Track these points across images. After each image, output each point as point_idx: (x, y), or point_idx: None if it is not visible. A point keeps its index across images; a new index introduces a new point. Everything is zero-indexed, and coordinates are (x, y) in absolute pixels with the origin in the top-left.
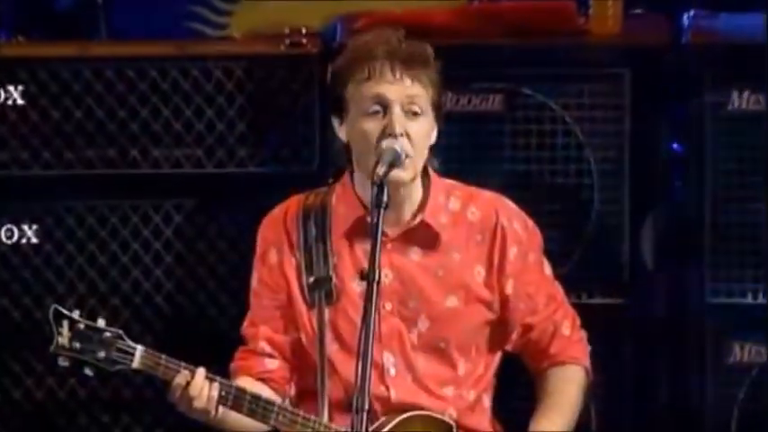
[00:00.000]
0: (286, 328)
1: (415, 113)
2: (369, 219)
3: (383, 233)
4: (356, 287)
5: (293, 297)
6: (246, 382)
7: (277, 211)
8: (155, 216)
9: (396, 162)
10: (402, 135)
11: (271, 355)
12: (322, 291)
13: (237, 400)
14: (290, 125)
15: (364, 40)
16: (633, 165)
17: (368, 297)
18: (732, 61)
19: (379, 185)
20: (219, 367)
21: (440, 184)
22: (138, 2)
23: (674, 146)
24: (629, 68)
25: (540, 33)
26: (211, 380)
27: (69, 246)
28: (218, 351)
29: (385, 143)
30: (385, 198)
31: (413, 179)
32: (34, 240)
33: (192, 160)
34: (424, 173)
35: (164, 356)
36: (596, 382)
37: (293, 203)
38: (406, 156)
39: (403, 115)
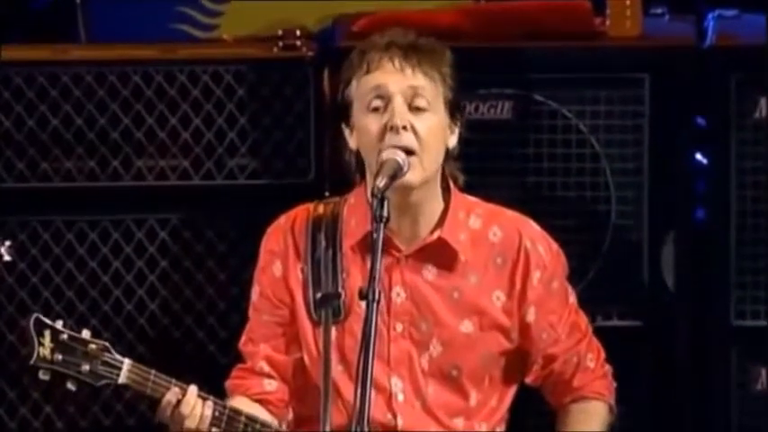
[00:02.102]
0: (287, 348)
1: (421, 108)
2: (383, 233)
3: (397, 248)
4: (365, 305)
5: (297, 313)
6: (243, 403)
7: (283, 221)
8: (138, 232)
9: (398, 174)
10: (406, 128)
11: (270, 376)
12: (329, 308)
13: (231, 421)
14: (284, 134)
15: (369, 38)
16: (653, 177)
17: (367, 319)
18: (759, 66)
19: (380, 199)
20: (208, 392)
21: (461, 200)
22: (120, 2)
23: (697, 156)
24: (649, 73)
25: (554, 35)
26: (204, 398)
27: (45, 264)
28: (207, 376)
29: (385, 153)
30: (386, 213)
31: (423, 182)
32: (7, 258)
33: (177, 172)
34: (446, 187)
35: (153, 371)
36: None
37: (301, 213)
38: (411, 152)
39: (406, 108)
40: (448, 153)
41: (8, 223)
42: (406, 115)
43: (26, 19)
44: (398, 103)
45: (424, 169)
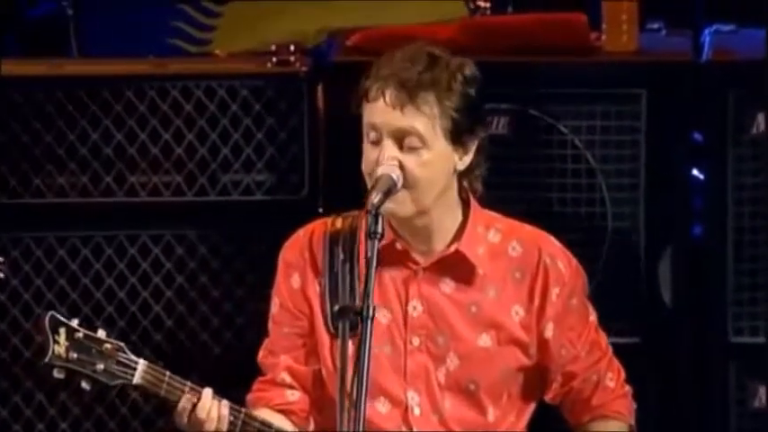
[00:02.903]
0: (307, 359)
1: (412, 147)
2: (397, 245)
3: (414, 261)
4: (382, 318)
5: (315, 325)
6: (266, 414)
7: (301, 234)
8: (130, 248)
9: (392, 189)
10: (394, 166)
11: (291, 386)
12: (346, 320)
13: (246, 426)
14: (277, 149)
15: (387, 55)
16: (650, 192)
17: (362, 338)
18: (757, 81)
19: (374, 215)
20: None
21: (480, 214)
22: (113, 16)
23: (694, 172)
24: (646, 88)
25: (550, 50)
26: (220, 399)
27: (37, 280)
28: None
29: (380, 169)
30: (380, 229)
31: (419, 213)
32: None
33: (171, 187)
34: (465, 201)
35: (168, 373)
36: None
37: (319, 226)
38: (401, 186)
39: (395, 148)
40: (461, 175)
41: (0, 239)
42: (395, 154)
43: (19, 33)
44: (387, 145)
45: (414, 202)
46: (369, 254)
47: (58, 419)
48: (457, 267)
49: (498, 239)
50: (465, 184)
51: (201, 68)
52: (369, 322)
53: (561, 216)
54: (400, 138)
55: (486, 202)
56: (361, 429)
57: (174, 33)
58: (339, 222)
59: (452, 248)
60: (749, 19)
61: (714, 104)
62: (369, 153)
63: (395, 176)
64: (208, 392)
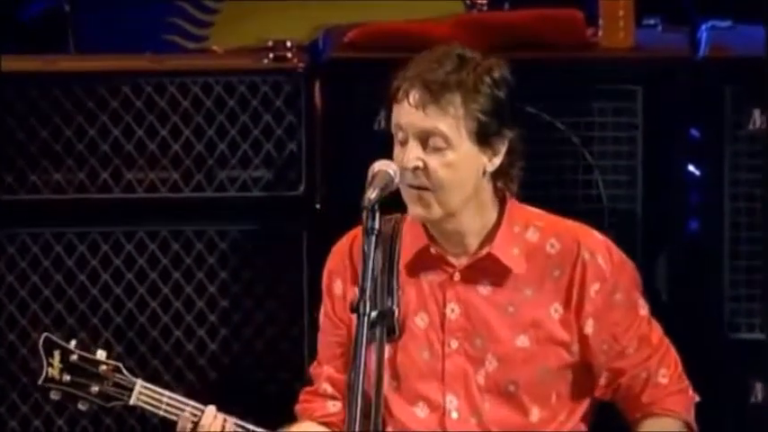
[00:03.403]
0: (347, 367)
1: (438, 148)
2: (432, 249)
3: (450, 264)
4: (419, 322)
5: (353, 331)
6: (309, 427)
7: (344, 241)
8: (127, 244)
9: (389, 185)
10: (417, 168)
11: (333, 397)
12: (384, 325)
13: None
14: (274, 146)
15: (419, 56)
16: (646, 189)
17: (357, 333)
18: (753, 77)
19: (370, 210)
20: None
21: (518, 212)
22: (110, 12)
23: (691, 169)
24: (642, 85)
25: (546, 46)
26: (225, 418)
27: (34, 277)
28: (200, 388)
29: (377, 165)
30: (376, 225)
31: (447, 215)
32: None
33: (167, 184)
34: (501, 200)
35: (167, 393)
36: None
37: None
38: (424, 188)
39: (420, 149)
40: (493, 173)
41: None
42: (420, 155)
43: (16, 30)
44: (412, 146)
45: (441, 205)
46: (366, 250)
47: (54, 416)
48: (491, 269)
49: (537, 238)
50: (499, 184)
51: (198, 65)
52: (364, 319)
53: (558, 213)
54: (425, 138)
55: None
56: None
57: (172, 30)
58: (381, 225)
59: (485, 251)
60: (746, 15)
61: (711, 101)
62: (397, 153)
63: (391, 172)
64: (210, 411)
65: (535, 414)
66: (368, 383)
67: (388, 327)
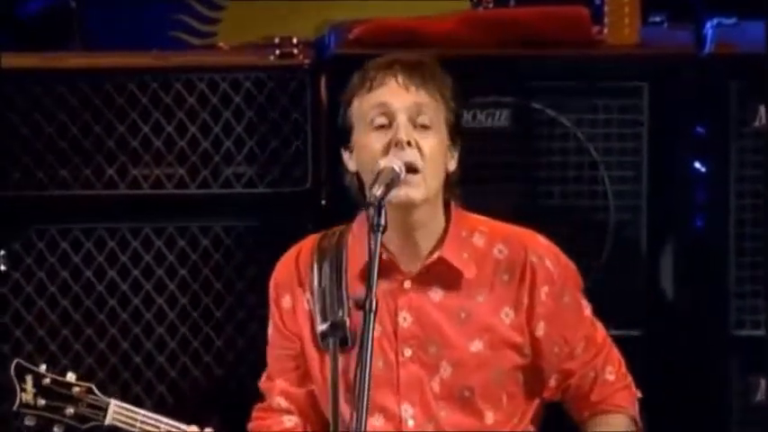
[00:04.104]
0: (301, 380)
1: (425, 126)
2: (384, 255)
3: (401, 272)
4: (362, 315)
5: (305, 344)
6: None
7: (291, 253)
8: (133, 241)
9: (395, 181)
10: (410, 144)
11: (288, 411)
12: (336, 337)
13: None
14: (281, 142)
15: (371, 60)
16: (651, 185)
17: (364, 329)
18: (759, 74)
19: (377, 207)
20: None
21: (463, 218)
22: (116, 9)
23: (696, 165)
24: (648, 81)
25: (552, 43)
26: None
27: (40, 273)
28: (203, 387)
29: (383, 161)
30: (383, 221)
31: (425, 200)
32: (1, 267)
33: (173, 180)
34: (446, 206)
35: (141, 411)
36: None
37: (307, 244)
38: (415, 170)
39: (411, 126)
40: (448, 177)
41: (2, 232)
42: (411, 132)
43: (21, 26)
44: (403, 120)
45: (427, 187)
46: (372, 246)
47: None
48: (443, 275)
49: (483, 243)
50: (446, 193)
51: (204, 61)
52: (371, 315)
53: (563, 209)
54: (414, 114)
55: (488, 195)
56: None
57: (178, 26)
58: (326, 238)
59: (435, 256)
60: (751, 12)
61: (716, 97)
62: (373, 141)
63: (397, 168)
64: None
65: (489, 417)
66: (323, 397)
67: (341, 338)
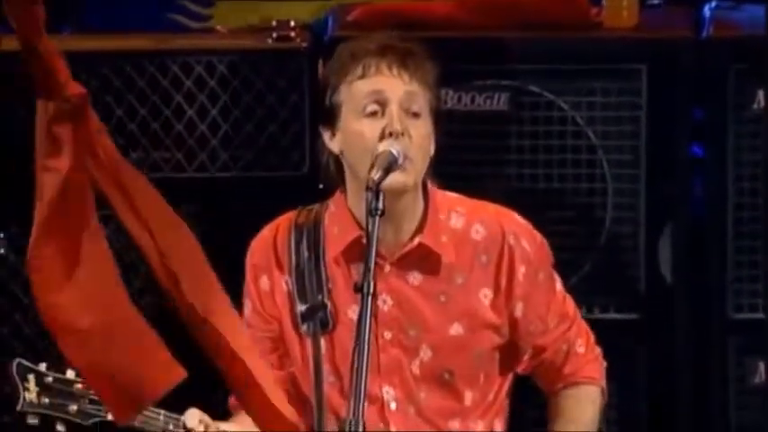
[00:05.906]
0: (281, 362)
1: (416, 114)
2: (364, 241)
3: (381, 255)
4: (353, 314)
5: (285, 327)
6: (246, 421)
7: (266, 233)
8: None
9: (393, 166)
10: (403, 135)
11: None
12: (316, 320)
13: None
14: (278, 125)
15: (355, 41)
16: (650, 169)
17: (362, 312)
18: (757, 57)
19: (375, 191)
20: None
21: (441, 199)
22: None
23: (695, 149)
24: (646, 64)
25: (550, 26)
26: (207, 426)
27: None
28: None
29: (381, 146)
30: (381, 205)
31: (414, 186)
32: (0, 251)
33: (170, 164)
34: (424, 189)
35: None
36: (609, 405)
37: (284, 223)
38: (406, 158)
39: (403, 114)
40: (430, 161)
41: (0, 215)
42: (404, 120)
43: None
44: (396, 109)
45: (416, 173)
46: (370, 230)
47: None
48: (422, 259)
49: (461, 224)
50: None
51: (202, 44)
52: (368, 299)
53: (561, 192)
54: (406, 103)
55: (485, 178)
56: (361, 411)
57: (175, 9)
58: (303, 216)
59: (416, 241)
60: None
61: (715, 80)
62: (366, 127)
63: (395, 152)
64: (192, 415)
65: (468, 398)
66: (304, 380)
67: (322, 320)
